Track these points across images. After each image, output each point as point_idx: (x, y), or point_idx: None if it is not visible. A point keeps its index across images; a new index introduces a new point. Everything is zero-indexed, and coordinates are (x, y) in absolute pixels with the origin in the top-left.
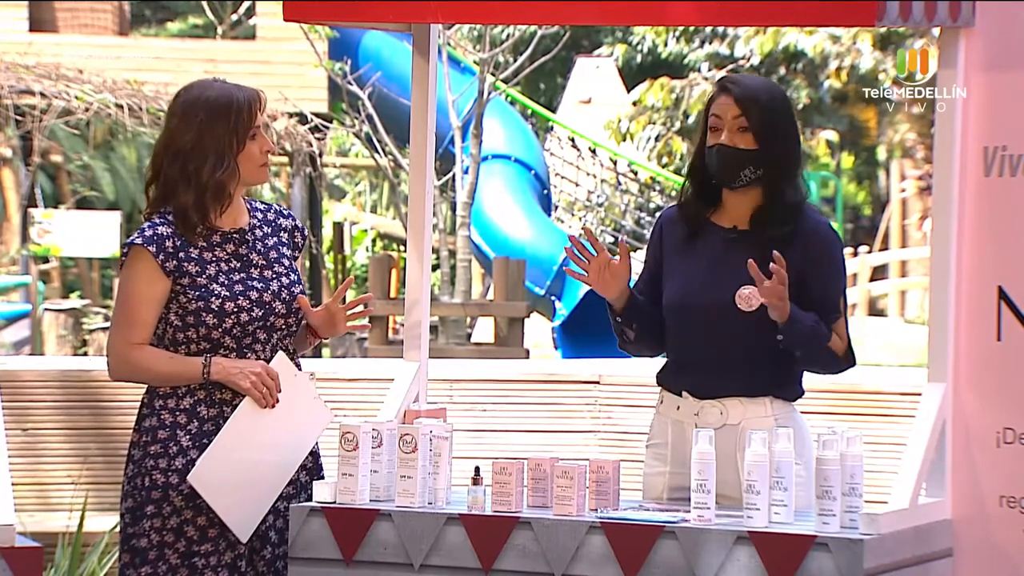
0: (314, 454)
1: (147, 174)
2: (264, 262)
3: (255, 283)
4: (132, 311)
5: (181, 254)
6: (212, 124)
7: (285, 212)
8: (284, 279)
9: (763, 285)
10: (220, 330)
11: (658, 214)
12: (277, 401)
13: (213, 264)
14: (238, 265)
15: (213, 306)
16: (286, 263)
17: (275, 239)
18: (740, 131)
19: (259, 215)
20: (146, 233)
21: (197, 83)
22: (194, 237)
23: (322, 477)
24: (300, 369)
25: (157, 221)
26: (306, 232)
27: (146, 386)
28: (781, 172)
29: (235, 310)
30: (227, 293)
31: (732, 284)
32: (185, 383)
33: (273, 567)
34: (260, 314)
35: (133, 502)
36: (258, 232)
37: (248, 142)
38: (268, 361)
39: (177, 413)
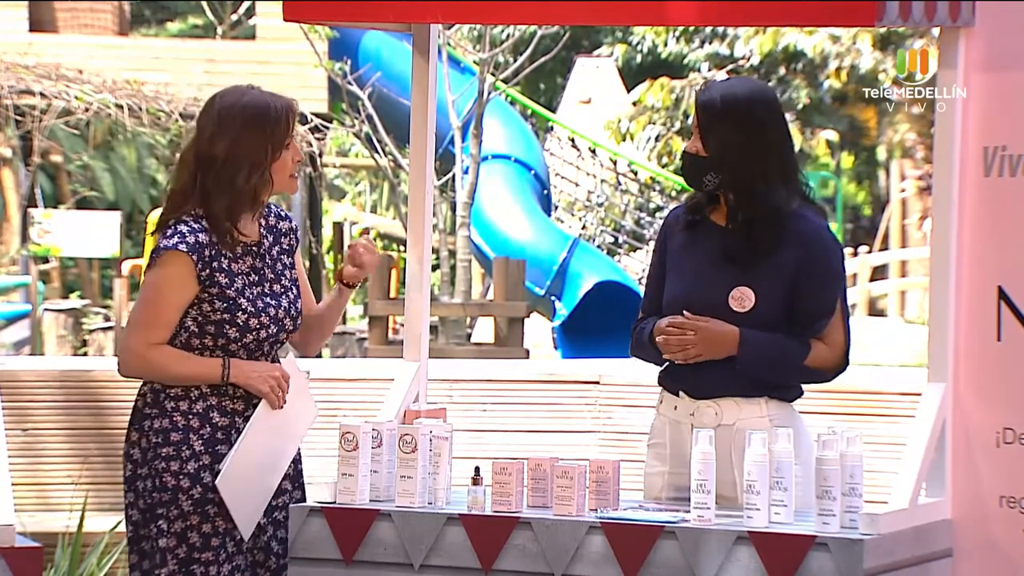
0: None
1: (173, 178)
2: (273, 276)
3: (270, 300)
4: (159, 312)
5: (215, 263)
6: (248, 132)
7: (283, 214)
8: (291, 294)
9: (673, 347)
10: (238, 344)
11: (663, 213)
12: (285, 402)
13: (240, 277)
14: (256, 279)
15: (239, 320)
16: (289, 275)
17: (278, 247)
18: (699, 138)
19: (263, 221)
20: (188, 239)
21: (232, 90)
22: (227, 246)
23: (302, 484)
24: (308, 372)
25: (195, 227)
26: (299, 233)
27: (145, 387)
28: (740, 179)
29: (257, 327)
30: (252, 309)
31: (725, 285)
32: (201, 383)
33: None
34: (275, 331)
35: (144, 503)
36: (266, 243)
37: (283, 151)
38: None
39: (190, 416)
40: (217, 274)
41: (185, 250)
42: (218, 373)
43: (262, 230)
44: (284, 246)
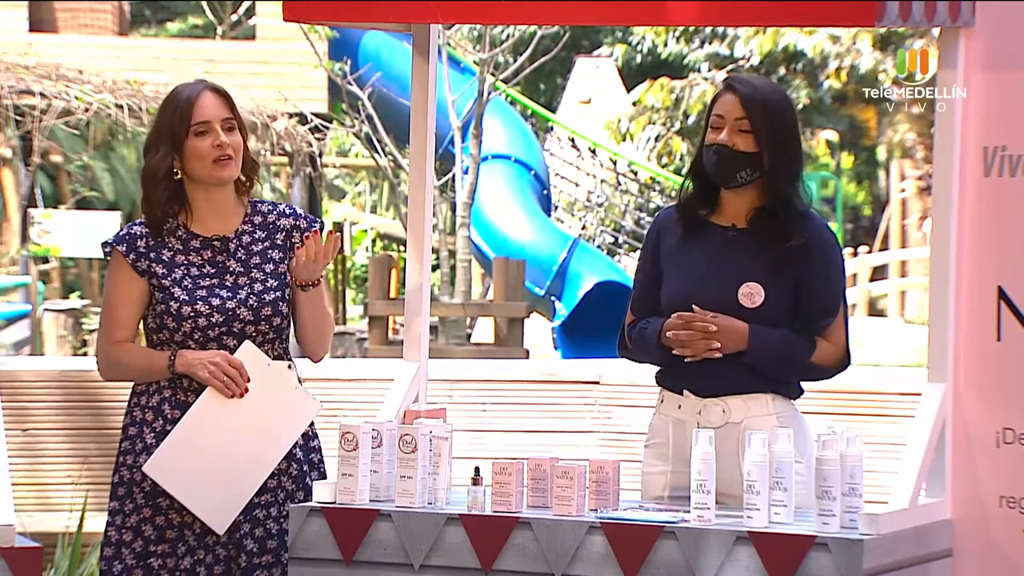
0: (309, 462)
1: None
2: (241, 269)
3: (221, 291)
4: (110, 311)
5: (152, 255)
6: (159, 117)
7: (288, 211)
8: (257, 286)
9: (687, 347)
10: (181, 333)
11: (655, 216)
12: (245, 391)
13: (182, 268)
14: (212, 271)
15: (171, 309)
16: (268, 268)
17: (266, 243)
18: (741, 132)
19: (258, 218)
20: (121, 232)
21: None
22: (168, 237)
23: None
24: (292, 364)
25: (137, 222)
26: (306, 224)
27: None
28: (780, 176)
29: (192, 315)
30: (185, 297)
31: (733, 281)
32: (156, 377)
33: None
34: (221, 320)
35: (111, 501)
36: (245, 238)
37: (193, 138)
38: None
39: (146, 411)
40: (155, 265)
41: (113, 241)
42: (165, 364)
43: (245, 224)
44: (277, 241)
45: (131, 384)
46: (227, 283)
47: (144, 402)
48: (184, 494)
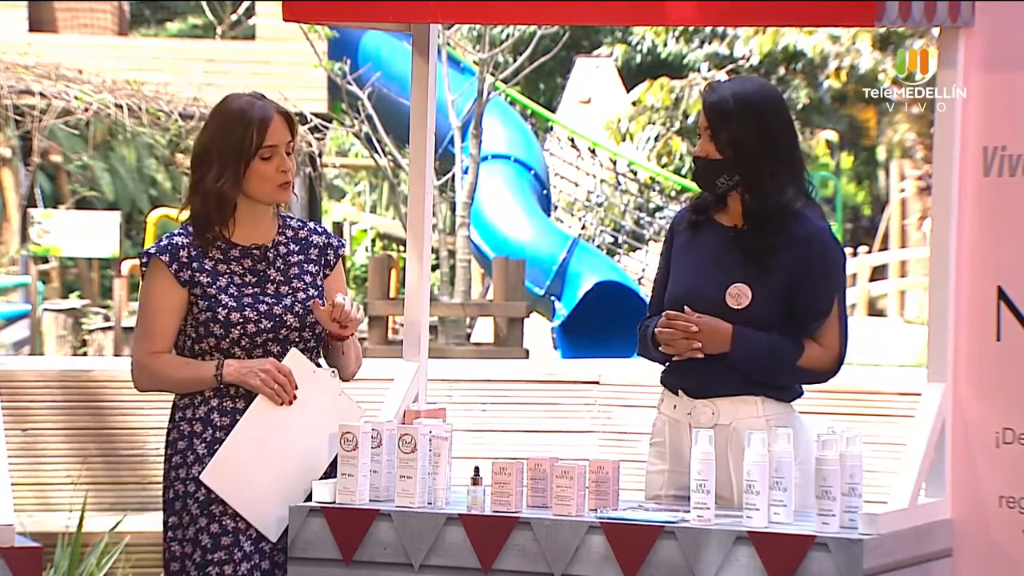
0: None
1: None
2: (282, 278)
3: (266, 298)
4: (149, 321)
5: (195, 264)
6: (221, 135)
7: (319, 229)
8: (300, 294)
9: (672, 342)
10: (228, 340)
11: (663, 213)
12: (294, 398)
13: (226, 276)
14: (253, 280)
15: (219, 316)
16: (307, 279)
17: (301, 256)
18: (709, 140)
19: (290, 232)
20: (162, 243)
21: (233, 94)
22: (210, 248)
23: None
24: (334, 371)
25: (178, 231)
26: (342, 248)
27: (172, 401)
28: (755, 179)
29: (241, 321)
30: (234, 304)
31: (726, 281)
32: (201, 388)
33: None
34: (269, 326)
35: (165, 515)
36: (282, 249)
37: (259, 160)
38: None
39: (193, 423)
40: (198, 274)
41: (155, 252)
42: (211, 374)
43: (280, 236)
44: (311, 256)
45: (144, 390)
46: (269, 291)
47: (191, 415)
48: (239, 501)
